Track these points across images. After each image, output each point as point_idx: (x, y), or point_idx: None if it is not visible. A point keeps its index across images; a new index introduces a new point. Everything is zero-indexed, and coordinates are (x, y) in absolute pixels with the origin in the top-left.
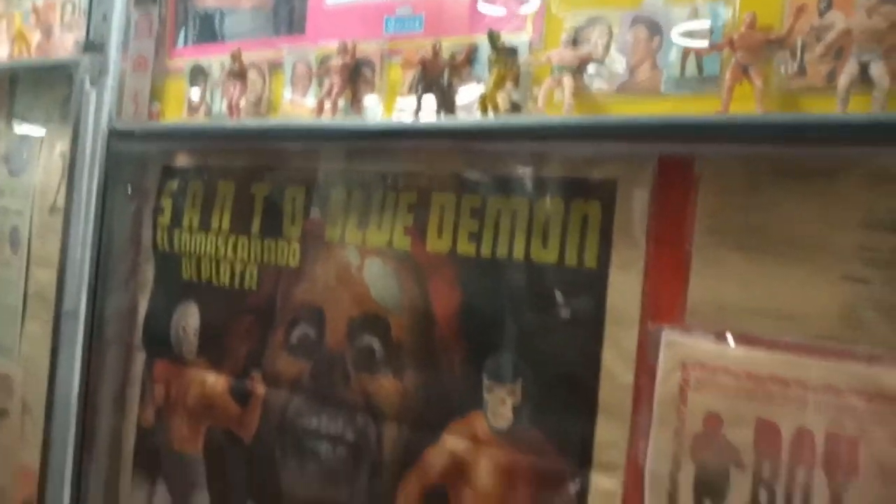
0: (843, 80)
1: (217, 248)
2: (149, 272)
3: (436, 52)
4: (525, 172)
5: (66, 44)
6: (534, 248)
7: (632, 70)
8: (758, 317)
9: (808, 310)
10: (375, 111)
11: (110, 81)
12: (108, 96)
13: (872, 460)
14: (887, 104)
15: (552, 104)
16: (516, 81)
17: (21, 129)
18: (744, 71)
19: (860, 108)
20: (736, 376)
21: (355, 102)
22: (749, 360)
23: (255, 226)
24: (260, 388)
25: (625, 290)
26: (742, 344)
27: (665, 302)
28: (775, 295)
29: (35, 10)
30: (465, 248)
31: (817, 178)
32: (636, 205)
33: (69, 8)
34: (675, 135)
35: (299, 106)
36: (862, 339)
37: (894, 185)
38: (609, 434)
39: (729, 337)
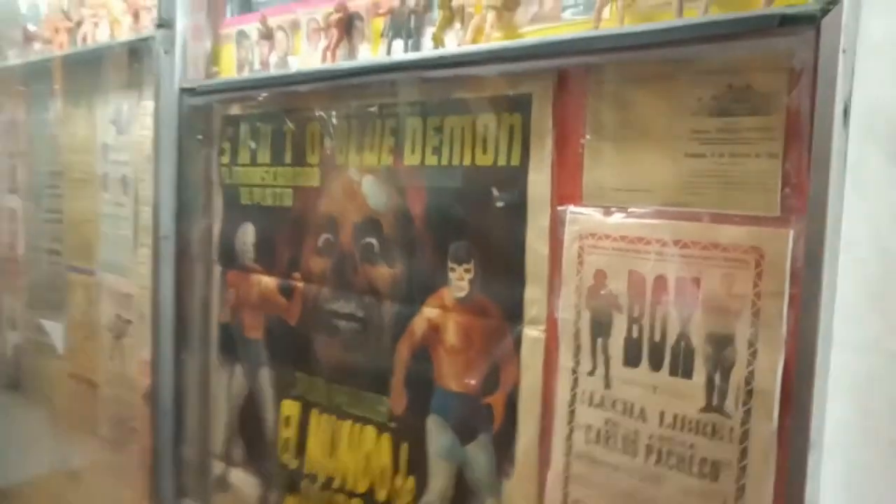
0: None
1: (262, 177)
2: (218, 202)
3: (402, 2)
4: (468, 95)
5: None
6: (477, 154)
7: (540, 2)
8: (628, 193)
9: (660, 183)
10: (366, 55)
11: (178, 50)
12: (178, 62)
13: (707, 294)
14: (708, 10)
15: (482, 37)
16: (462, 21)
17: (121, 95)
18: None
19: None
20: (614, 240)
21: (351, 50)
22: (623, 227)
23: (288, 157)
24: (299, 284)
25: (540, 181)
26: (618, 215)
27: (567, 188)
28: (638, 175)
29: None
30: (431, 159)
31: (663, 80)
32: (544, 114)
33: None
34: (561, 51)
35: (313, 57)
36: (700, 203)
37: (715, 77)
38: (534, 295)
39: (610, 211)
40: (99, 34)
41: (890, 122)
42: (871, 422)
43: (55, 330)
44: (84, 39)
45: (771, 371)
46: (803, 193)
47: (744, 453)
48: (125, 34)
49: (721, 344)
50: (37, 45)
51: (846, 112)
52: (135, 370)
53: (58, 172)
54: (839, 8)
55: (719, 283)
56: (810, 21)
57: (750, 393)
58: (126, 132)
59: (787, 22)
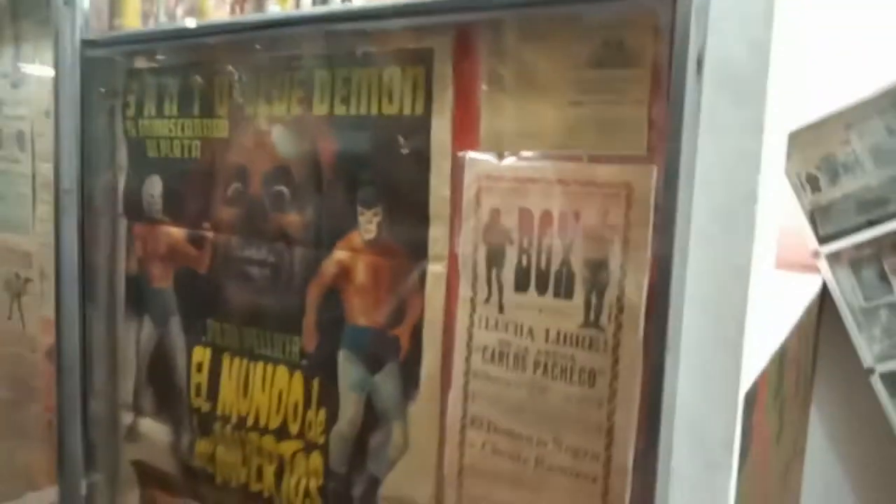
0: None
1: (170, 129)
2: (123, 155)
3: None
4: (375, 48)
5: None
6: (383, 104)
7: None
8: (519, 138)
9: (547, 129)
10: (273, 8)
11: (79, 2)
12: (79, 14)
13: (586, 225)
14: None
15: None
16: None
17: (12, 49)
18: None
19: None
20: (507, 181)
21: (260, 3)
22: (514, 169)
23: (196, 109)
24: (209, 234)
25: (442, 129)
26: (511, 158)
27: (467, 136)
28: (528, 122)
29: None
30: (339, 109)
31: (549, 37)
32: (445, 67)
33: None
34: (457, 7)
35: (221, 10)
36: (580, 145)
37: (593, 34)
38: (437, 234)
39: (504, 155)
40: None
41: (736, 73)
42: (719, 326)
43: None
44: None
45: (638, 289)
46: (665, 135)
47: (616, 361)
48: None
49: (597, 268)
50: None
51: (699, 64)
52: (36, 328)
53: None
54: None
55: (596, 216)
56: None
57: (621, 309)
58: (19, 86)
59: None
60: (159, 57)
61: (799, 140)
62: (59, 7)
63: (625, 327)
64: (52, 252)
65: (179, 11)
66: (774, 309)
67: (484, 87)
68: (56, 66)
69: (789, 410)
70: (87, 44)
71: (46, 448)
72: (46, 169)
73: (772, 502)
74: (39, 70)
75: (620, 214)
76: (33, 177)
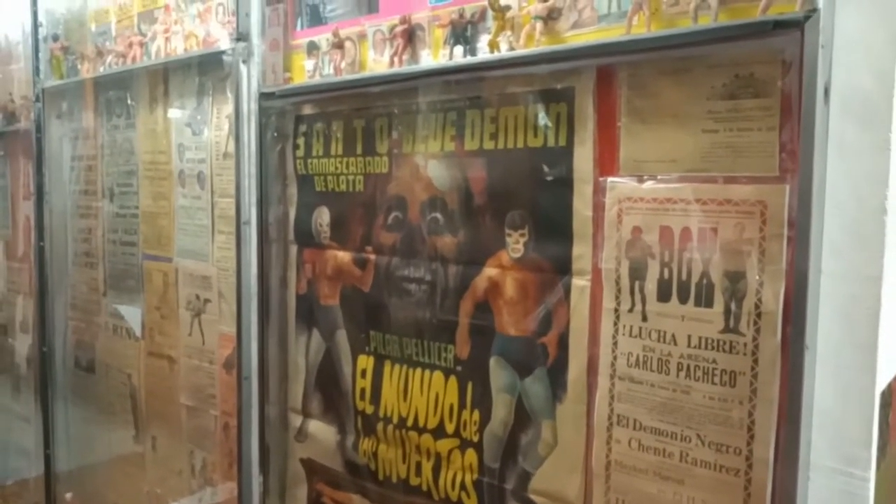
0: (692, 4)
1: (336, 166)
2: (293, 190)
3: (461, 15)
4: (520, 90)
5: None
6: (529, 138)
7: (580, 12)
8: (657, 163)
9: (683, 155)
10: (427, 60)
11: (256, 59)
12: (255, 70)
13: (723, 240)
14: (717, 17)
15: (532, 42)
16: (512, 29)
17: (194, 101)
18: (639, 6)
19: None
20: (647, 202)
21: (413, 56)
22: (654, 191)
23: (359, 149)
24: (372, 256)
25: (584, 158)
26: (650, 182)
27: (607, 162)
28: (665, 149)
29: (199, 14)
30: (488, 144)
31: (683, 72)
32: (586, 102)
33: (220, 10)
34: (601, 52)
35: (379, 63)
36: (715, 168)
37: (724, 69)
38: (580, 251)
39: (643, 179)
40: (170, 47)
41: (861, 99)
42: (854, 330)
43: (132, 314)
44: (157, 52)
45: (774, 297)
46: (796, 157)
47: (755, 363)
48: (195, 47)
49: (735, 278)
50: (108, 59)
51: (826, 92)
52: (214, 342)
53: (131, 172)
54: (818, 14)
55: (732, 231)
56: (796, 25)
57: (759, 315)
58: (200, 133)
59: (779, 26)
60: (324, 104)
61: None
62: (239, 65)
63: (763, 332)
64: (227, 276)
65: (343, 65)
66: None
67: (622, 119)
68: (236, 114)
69: None
70: (265, 96)
71: (222, 448)
72: (224, 203)
73: None
74: (217, 119)
75: (756, 229)
76: (212, 210)
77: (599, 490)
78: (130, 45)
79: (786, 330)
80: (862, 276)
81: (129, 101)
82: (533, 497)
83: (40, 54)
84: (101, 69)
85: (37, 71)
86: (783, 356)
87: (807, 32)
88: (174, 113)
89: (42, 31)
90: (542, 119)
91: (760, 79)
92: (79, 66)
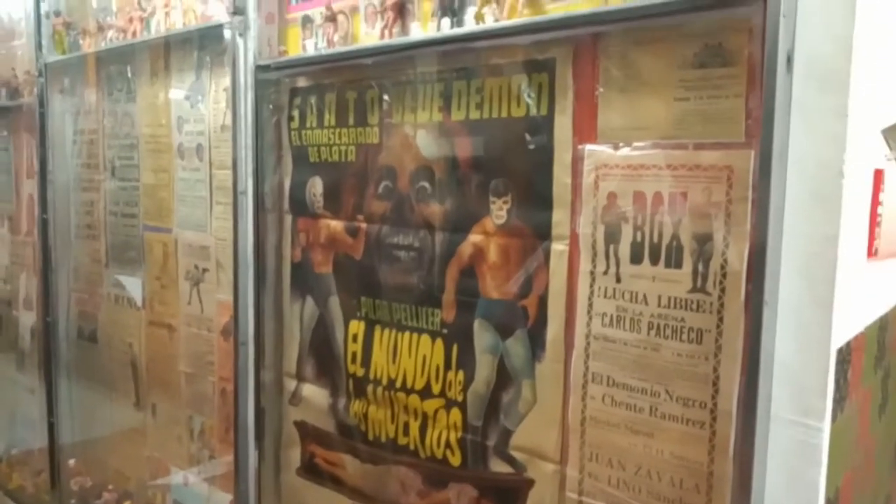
0: None
1: (328, 137)
2: (288, 160)
3: None
4: (504, 61)
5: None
6: (512, 108)
7: None
8: (632, 131)
9: (656, 122)
10: (416, 32)
11: (252, 33)
12: (252, 44)
13: (692, 204)
14: None
15: (516, 13)
16: (497, 2)
17: (192, 75)
18: None
19: None
20: (622, 168)
21: (404, 28)
22: (628, 158)
23: (351, 120)
24: (363, 225)
25: (563, 126)
26: (625, 149)
27: (585, 131)
28: (640, 117)
29: None
30: (474, 114)
31: (656, 42)
32: (566, 73)
33: None
34: (578, 23)
35: (371, 35)
36: (685, 135)
37: (695, 39)
38: (559, 217)
39: (618, 146)
40: (170, 22)
41: (821, 66)
42: (812, 288)
43: (133, 285)
44: (157, 27)
45: (739, 257)
46: (761, 123)
47: (720, 321)
48: (194, 22)
49: (703, 240)
50: (110, 34)
51: (790, 60)
52: (212, 311)
53: (132, 145)
54: None
55: (701, 195)
56: None
57: (724, 275)
58: (197, 105)
59: None
60: (318, 76)
61: None
62: (236, 38)
63: (728, 291)
64: (225, 246)
65: (336, 38)
66: (877, 287)
67: (600, 88)
68: (233, 87)
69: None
70: (261, 68)
71: (220, 413)
72: (222, 175)
73: (879, 473)
74: (215, 92)
75: (723, 193)
76: (210, 182)
77: (575, 444)
78: (131, 20)
79: (749, 288)
80: (820, 236)
81: (129, 76)
82: (513, 453)
83: (42, 30)
84: (103, 44)
85: (39, 46)
86: (746, 313)
87: (769, 2)
88: (174, 87)
89: (44, 7)
90: (525, 89)
91: (728, 48)
92: (80, 42)
